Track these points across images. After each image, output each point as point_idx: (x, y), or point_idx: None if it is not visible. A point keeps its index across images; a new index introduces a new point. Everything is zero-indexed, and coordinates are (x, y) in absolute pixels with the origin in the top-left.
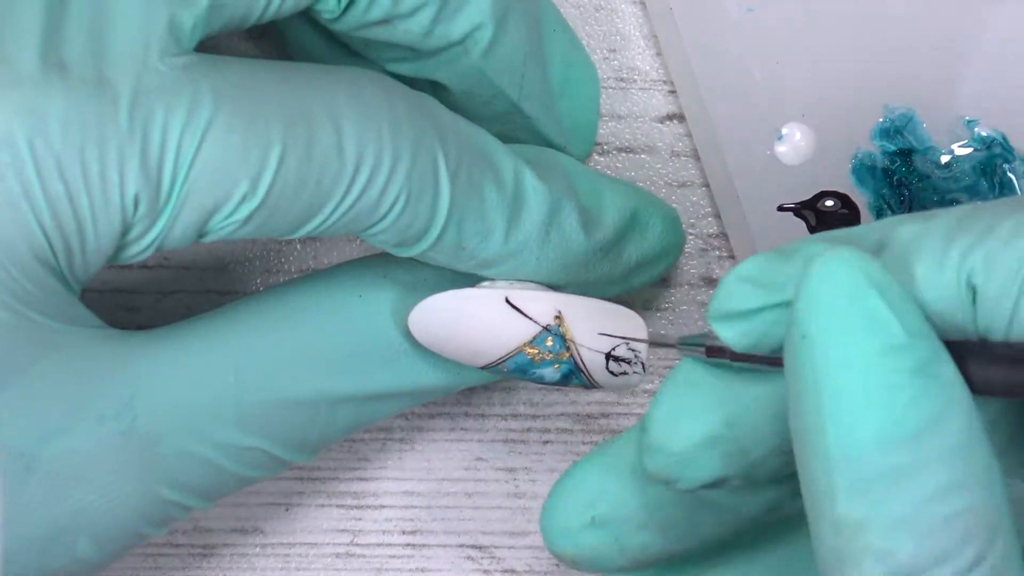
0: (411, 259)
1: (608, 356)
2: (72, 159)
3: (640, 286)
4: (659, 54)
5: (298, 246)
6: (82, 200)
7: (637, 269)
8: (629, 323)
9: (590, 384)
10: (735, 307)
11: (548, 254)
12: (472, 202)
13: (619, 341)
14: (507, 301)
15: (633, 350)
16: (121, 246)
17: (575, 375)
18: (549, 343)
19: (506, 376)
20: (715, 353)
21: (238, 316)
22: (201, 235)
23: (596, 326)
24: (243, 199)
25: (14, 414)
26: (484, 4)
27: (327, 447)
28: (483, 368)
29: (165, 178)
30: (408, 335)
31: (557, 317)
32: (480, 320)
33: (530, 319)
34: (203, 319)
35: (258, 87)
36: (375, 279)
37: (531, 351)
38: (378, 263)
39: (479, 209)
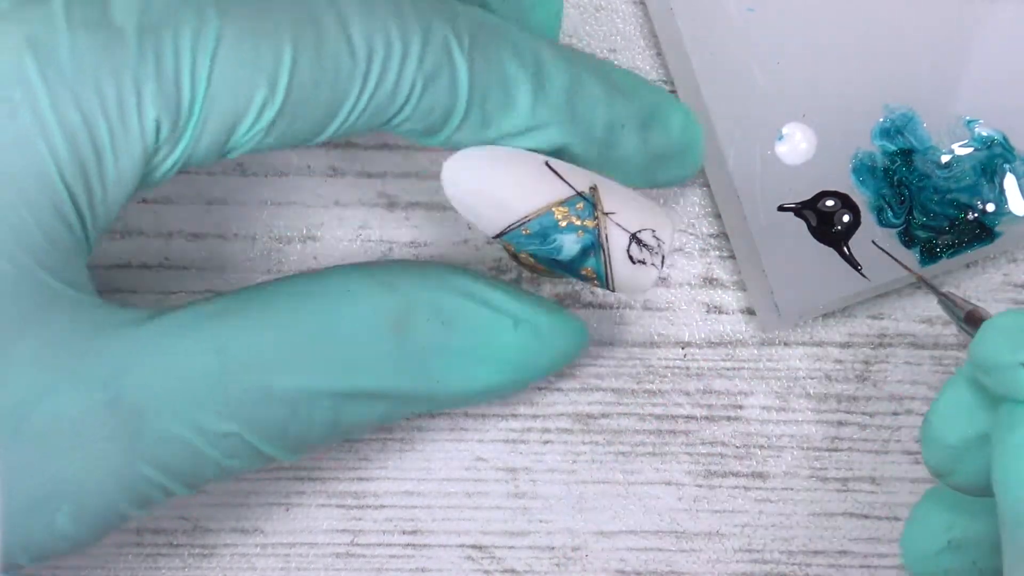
0: (399, 262)
1: (633, 237)
2: (87, 88)
3: (665, 183)
4: (659, 54)
5: (298, 246)
6: (101, 129)
7: (661, 161)
8: (659, 217)
9: (603, 271)
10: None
11: (574, 126)
12: (493, 77)
13: (647, 228)
14: (547, 164)
15: (658, 238)
16: (145, 173)
17: (593, 251)
18: (580, 207)
19: (524, 245)
20: (971, 320)
21: (228, 305)
22: (225, 153)
23: (629, 207)
24: (264, 105)
25: (6, 372)
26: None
27: (309, 448)
28: (502, 233)
29: (184, 97)
30: (394, 333)
31: (593, 188)
32: (515, 175)
33: (566, 182)
34: (195, 304)
35: None
36: (366, 280)
37: (560, 211)
38: (373, 267)
39: (501, 83)
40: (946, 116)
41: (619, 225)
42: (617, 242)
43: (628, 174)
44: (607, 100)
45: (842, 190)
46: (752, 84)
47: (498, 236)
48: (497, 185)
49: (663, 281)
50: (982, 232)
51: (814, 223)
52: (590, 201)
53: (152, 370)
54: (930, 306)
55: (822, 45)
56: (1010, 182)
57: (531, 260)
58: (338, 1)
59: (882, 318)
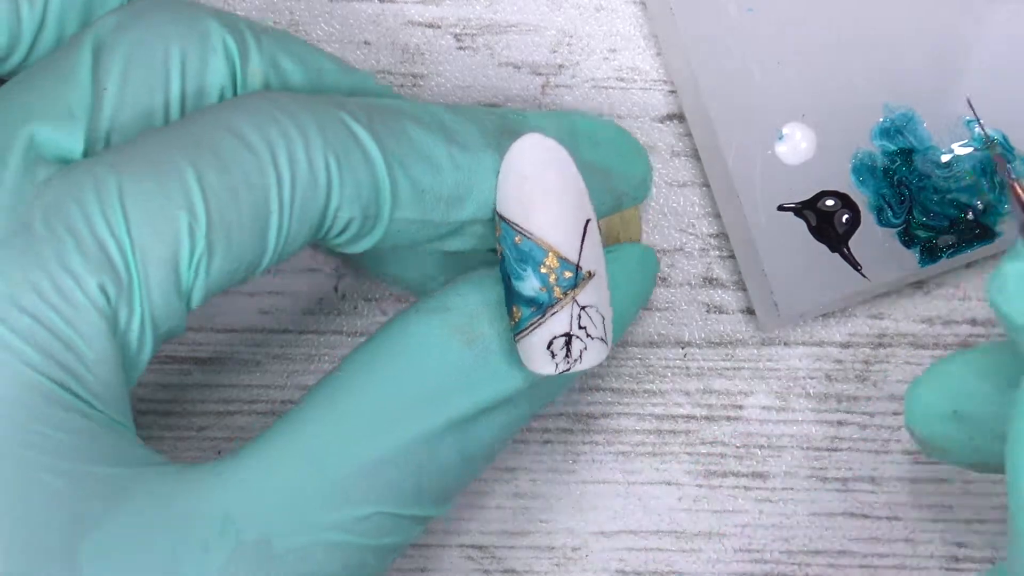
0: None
1: (567, 337)
2: (25, 292)
3: (634, 193)
4: (659, 54)
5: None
6: (54, 320)
7: (612, 173)
8: (598, 359)
9: (524, 327)
10: None
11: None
12: (402, 143)
13: (580, 333)
14: (587, 222)
15: (579, 355)
16: (121, 345)
17: (536, 309)
18: (567, 275)
19: (505, 242)
20: None
21: (302, 405)
22: (188, 300)
23: (589, 315)
24: (191, 230)
25: (107, 570)
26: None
27: (459, 490)
28: (504, 219)
29: (114, 254)
30: (470, 345)
31: (590, 273)
32: (553, 197)
33: (579, 251)
34: (265, 430)
35: (144, 141)
36: (411, 316)
37: (552, 261)
38: (408, 311)
39: (411, 146)
40: (946, 116)
41: (567, 317)
42: (553, 326)
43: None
44: (520, 130)
45: (842, 190)
46: (752, 84)
47: (500, 216)
48: (547, 191)
49: (663, 281)
50: (982, 232)
51: (814, 223)
52: (575, 281)
53: (259, 497)
54: (930, 306)
55: (822, 45)
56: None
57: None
58: (220, 116)
59: (882, 318)
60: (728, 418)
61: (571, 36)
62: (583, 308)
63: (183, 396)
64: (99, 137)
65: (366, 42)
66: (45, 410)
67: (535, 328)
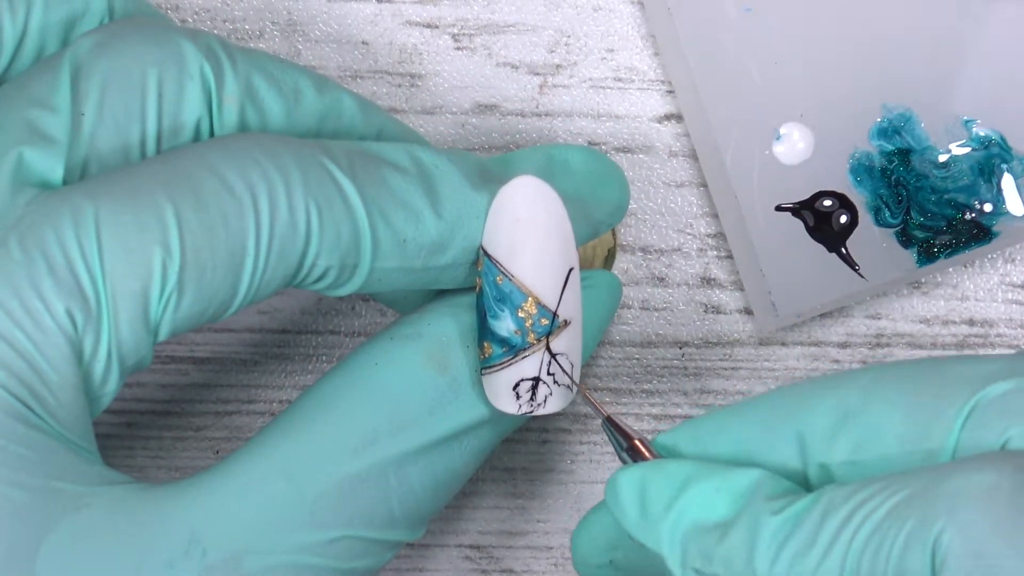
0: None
1: (534, 382)
2: None
3: (609, 218)
4: (657, 54)
5: None
6: (21, 340)
7: (587, 201)
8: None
9: (495, 364)
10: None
11: (482, 208)
12: (383, 191)
13: (549, 388)
14: (570, 270)
15: (544, 400)
16: (86, 373)
17: (508, 350)
18: (543, 322)
19: (487, 278)
20: (633, 454)
21: (276, 424)
22: (156, 334)
23: (562, 363)
24: (164, 266)
25: None
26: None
27: (430, 515)
28: (488, 255)
29: (84, 282)
30: (443, 372)
31: (565, 322)
32: (541, 243)
33: (558, 298)
34: (236, 449)
35: (126, 172)
36: (385, 343)
37: (530, 306)
38: (383, 335)
39: (392, 196)
40: (944, 116)
41: (537, 363)
42: (522, 369)
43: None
44: (500, 179)
45: (840, 190)
46: (750, 84)
47: (484, 251)
48: (529, 229)
49: (660, 281)
50: (979, 232)
51: (812, 223)
52: (551, 329)
53: (227, 518)
54: (928, 306)
55: (820, 45)
56: (1007, 182)
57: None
58: (205, 156)
59: (880, 318)
60: None
61: (569, 36)
62: (554, 356)
63: (181, 396)
64: (77, 163)
65: (364, 42)
66: (6, 423)
67: (504, 368)
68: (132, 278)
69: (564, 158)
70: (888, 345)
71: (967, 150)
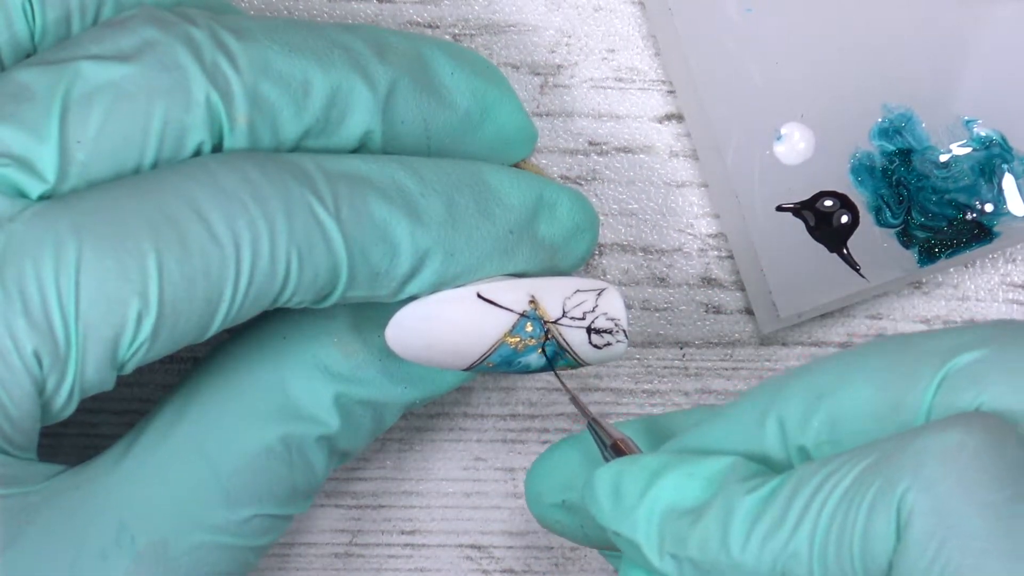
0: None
1: (589, 330)
2: None
3: (570, 269)
4: (658, 54)
5: None
6: None
7: (559, 251)
8: (603, 295)
9: (576, 363)
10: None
11: (460, 246)
12: (366, 229)
13: (597, 314)
14: (479, 296)
15: (612, 319)
16: (44, 405)
17: (560, 356)
18: (529, 329)
19: (494, 371)
20: (617, 450)
21: (180, 396)
22: (120, 369)
23: (571, 303)
24: (140, 317)
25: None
26: (366, 113)
27: (318, 488)
28: (469, 368)
29: (57, 326)
30: (347, 355)
31: (531, 301)
32: (456, 321)
33: (505, 308)
34: (147, 421)
35: (115, 206)
36: (297, 315)
37: (512, 340)
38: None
39: (375, 232)
40: (945, 116)
41: (571, 326)
42: (576, 341)
43: (527, 270)
44: (485, 214)
45: (840, 190)
46: (750, 84)
47: (466, 370)
48: (443, 335)
49: (661, 281)
50: (980, 232)
51: (812, 223)
52: (536, 318)
53: (150, 503)
54: (929, 306)
55: (820, 45)
56: (1008, 182)
57: None
58: (189, 193)
59: (880, 318)
60: None
61: (570, 36)
62: (558, 322)
63: None
64: (67, 188)
65: None
66: None
67: (577, 356)
68: (105, 326)
69: (554, 201)
70: None
71: (968, 150)
